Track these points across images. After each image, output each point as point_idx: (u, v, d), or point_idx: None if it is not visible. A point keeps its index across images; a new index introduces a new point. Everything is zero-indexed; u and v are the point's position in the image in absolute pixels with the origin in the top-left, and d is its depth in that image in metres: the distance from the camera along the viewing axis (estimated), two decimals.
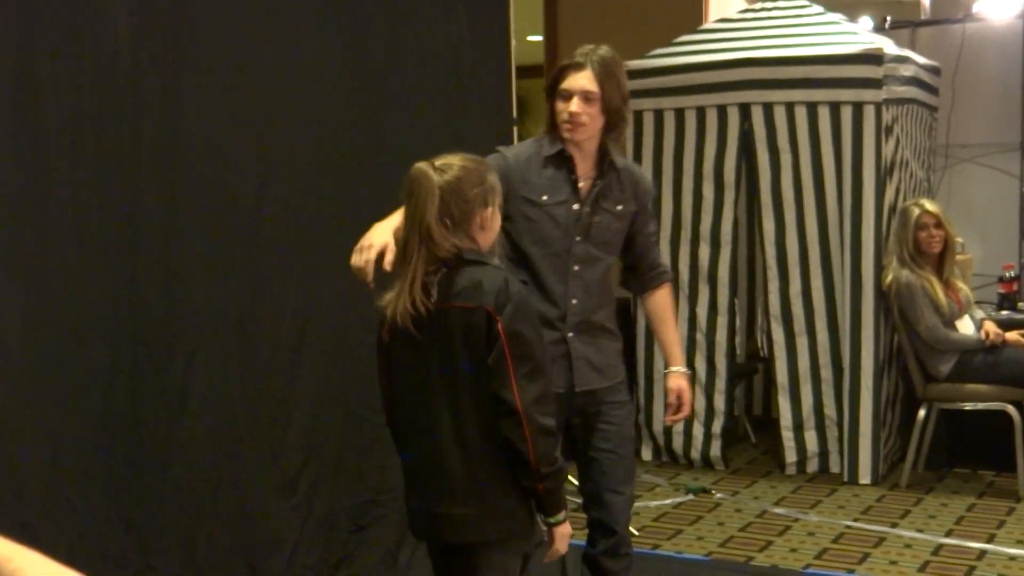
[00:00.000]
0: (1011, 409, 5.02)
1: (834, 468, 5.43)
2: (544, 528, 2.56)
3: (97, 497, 2.92)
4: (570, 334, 3.03)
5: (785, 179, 5.36)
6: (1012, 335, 5.10)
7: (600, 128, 3.02)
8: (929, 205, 5.23)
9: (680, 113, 5.55)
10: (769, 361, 5.73)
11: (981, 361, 5.07)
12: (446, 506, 2.49)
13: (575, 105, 2.97)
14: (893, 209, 5.34)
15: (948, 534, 4.61)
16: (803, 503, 5.06)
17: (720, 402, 5.56)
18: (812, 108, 5.27)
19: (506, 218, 2.89)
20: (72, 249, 2.87)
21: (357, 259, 2.68)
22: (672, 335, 3.30)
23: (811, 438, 5.45)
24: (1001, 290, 5.67)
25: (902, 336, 5.24)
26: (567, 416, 2.98)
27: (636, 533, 4.66)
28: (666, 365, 3.28)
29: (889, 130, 5.24)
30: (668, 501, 5.12)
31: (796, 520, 4.83)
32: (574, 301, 3.04)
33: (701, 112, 5.50)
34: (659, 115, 5.60)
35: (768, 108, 5.35)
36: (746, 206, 5.90)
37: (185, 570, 3.16)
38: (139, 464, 3.04)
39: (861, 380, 5.26)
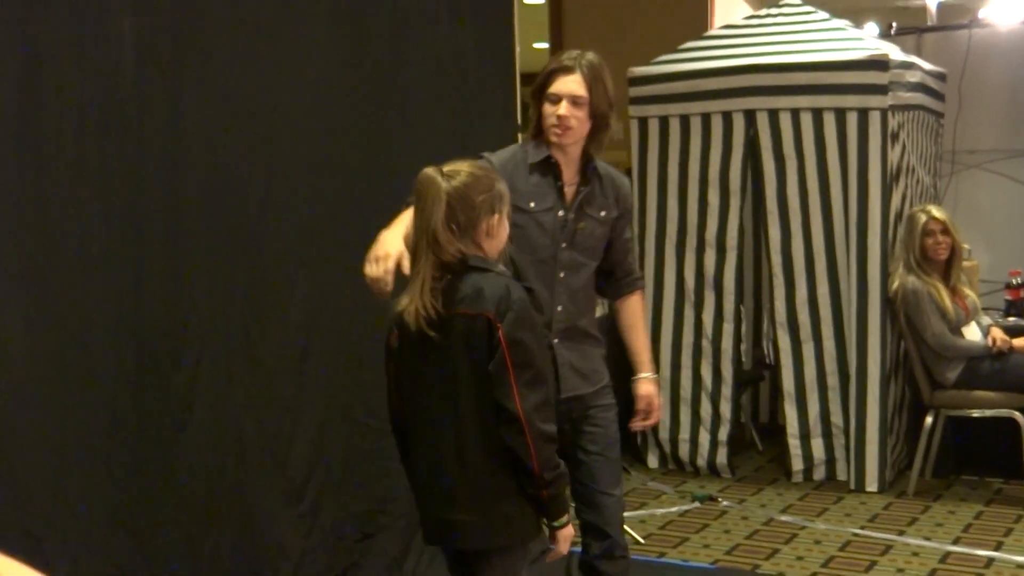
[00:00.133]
0: (1018, 416, 5.00)
1: (841, 476, 5.41)
2: (547, 531, 2.59)
3: (101, 506, 2.92)
4: (555, 340, 3.03)
5: (791, 186, 5.35)
6: (1019, 341, 5.09)
7: (586, 133, 3.03)
8: (936, 211, 5.22)
9: (685, 120, 5.55)
10: (775, 368, 5.72)
11: (988, 368, 5.05)
12: (449, 512, 2.53)
13: (564, 108, 2.98)
14: (899, 216, 5.33)
15: (956, 542, 4.59)
16: (810, 511, 5.04)
17: (726, 409, 5.54)
18: (817, 114, 5.26)
19: None
20: (76, 257, 2.86)
21: (374, 269, 2.68)
22: (643, 341, 3.30)
23: (818, 445, 5.43)
24: (1008, 296, 5.65)
25: (909, 343, 5.22)
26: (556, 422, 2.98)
27: (642, 541, 4.65)
28: (634, 372, 3.27)
29: (895, 136, 5.23)
30: (674, 509, 5.10)
31: (803, 528, 4.81)
32: (560, 308, 3.06)
33: (706, 118, 5.49)
34: (664, 121, 5.60)
35: (773, 114, 5.35)
36: (752, 213, 5.89)
37: None
38: (144, 473, 3.04)
39: (868, 387, 5.24)
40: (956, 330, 5.11)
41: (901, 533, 4.71)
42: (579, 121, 3.00)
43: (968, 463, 5.48)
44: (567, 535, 2.57)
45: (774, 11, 5.80)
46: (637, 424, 3.28)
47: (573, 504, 3.18)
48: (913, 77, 5.48)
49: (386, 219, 3.32)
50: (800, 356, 5.41)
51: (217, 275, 3.25)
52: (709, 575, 4.33)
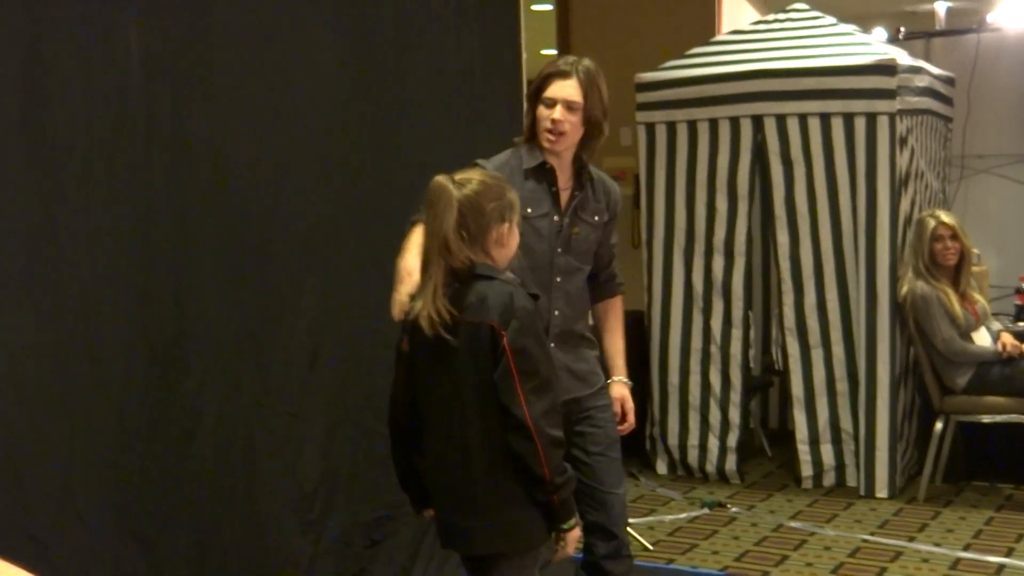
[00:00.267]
0: None
1: (851, 482, 5.39)
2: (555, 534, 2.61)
3: (109, 513, 2.92)
4: (552, 345, 3.02)
5: (799, 191, 5.34)
6: None
7: (579, 139, 3.04)
8: (945, 216, 5.21)
9: (693, 125, 5.54)
10: (784, 374, 5.71)
11: (998, 373, 5.04)
12: (458, 517, 2.57)
13: (558, 113, 2.99)
14: (908, 220, 5.32)
15: (966, 548, 4.57)
16: (819, 517, 5.02)
17: (735, 415, 5.53)
18: (825, 119, 5.25)
19: None
20: (84, 266, 2.87)
21: (398, 312, 2.71)
22: (620, 345, 3.30)
23: (827, 451, 5.42)
24: (1018, 301, 5.64)
25: (918, 348, 5.20)
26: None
27: (651, 547, 4.64)
28: (608, 375, 3.27)
29: (903, 141, 5.22)
30: (683, 515, 5.09)
31: (812, 534, 4.80)
32: (556, 312, 3.08)
33: (714, 124, 5.49)
34: (672, 127, 5.60)
35: (781, 120, 5.34)
36: (760, 218, 5.88)
37: None
38: (152, 480, 3.04)
39: (877, 393, 5.23)
40: (966, 335, 5.09)
41: (911, 539, 4.69)
42: (572, 126, 3.01)
43: (978, 469, 5.46)
44: (575, 537, 2.60)
45: (781, 16, 5.79)
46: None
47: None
48: (921, 81, 5.47)
49: (392, 226, 3.32)
50: (809, 361, 5.40)
51: (225, 282, 3.25)
52: None
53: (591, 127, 3.04)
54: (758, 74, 5.39)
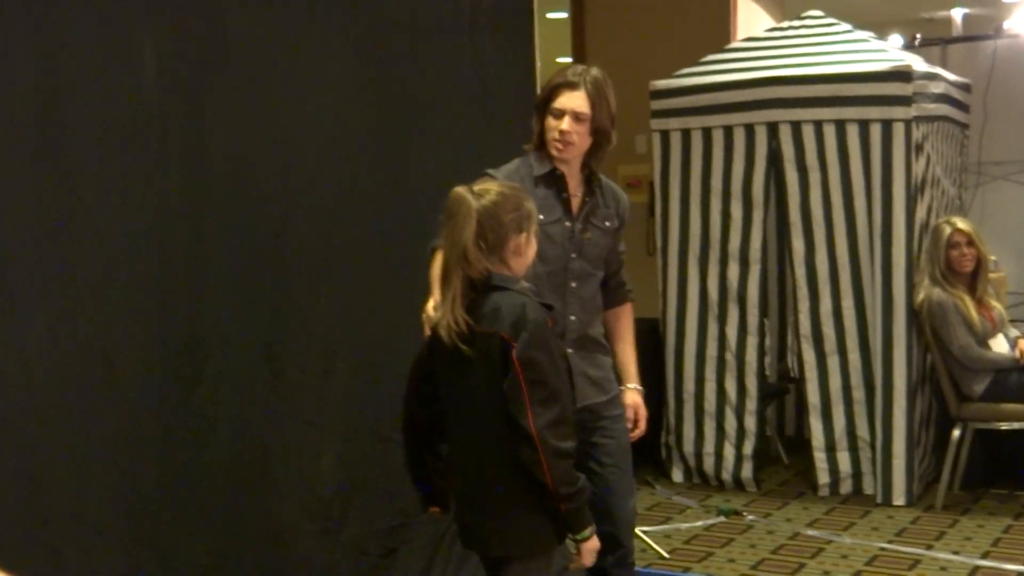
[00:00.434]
0: None
1: (868, 489, 5.37)
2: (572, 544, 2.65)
3: (124, 521, 2.93)
4: (569, 350, 3.07)
5: (814, 198, 5.33)
6: None
7: (587, 148, 3.10)
8: (961, 223, 5.19)
9: (707, 132, 5.54)
10: (800, 381, 5.69)
11: (1016, 380, 5.01)
12: (473, 518, 2.65)
13: (566, 124, 3.05)
14: (925, 227, 5.30)
15: (984, 556, 4.54)
16: (836, 525, 5.00)
17: (751, 423, 5.52)
18: (841, 126, 5.24)
19: None
20: (99, 274, 2.88)
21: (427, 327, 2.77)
22: (631, 353, 3.34)
23: (844, 459, 5.40)
24: None
25: (935, 355, 5.18)
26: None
27: (667, 556, 4.63)
28: (620, 382, 3.30)
29: (919, 148, 5.20)
30: (699, 523, 5.08)
31: (829, 542, 4.78)
32: (572, 317, 3.12)
33: (729, 131, 5.48)
34: (686, 134, 5.59)
35: (796, 126, 5.33)
36: (775, 225, 5.87)
37: None
38: (167, 488, 3.05)
39: (894, 400, 5.21)
40: (983, 342, 5.07)
41: (929, 547, 4.67)
42: (580, 136, 3.07)
43: (997, 476, 5.42)
44: (591, 548, 2.63)
45: (796, 23, 5.79)
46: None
47: None
48: (937, 88, 5.45)
49: (405, 234, 3.34)
50: (825, 369, 5.38)
51: (240, 290, 3.27)
52: None
53: (599, 136, 3.10)
54: (773, 81, 5.38)
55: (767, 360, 5.86)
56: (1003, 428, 5.08)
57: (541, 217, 3.01)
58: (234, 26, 3.24)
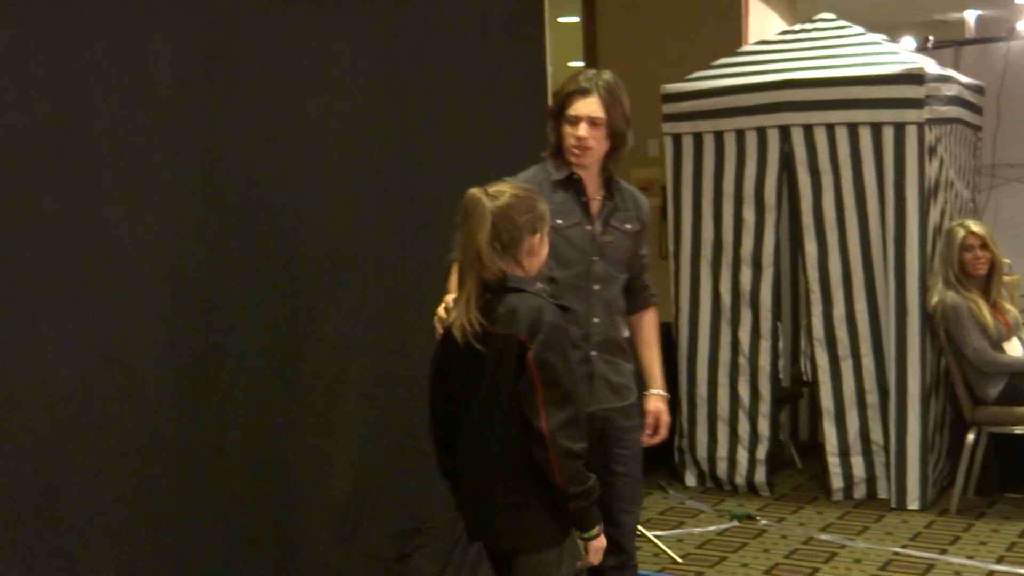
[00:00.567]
0: None
1: (882, 494, 5.35)
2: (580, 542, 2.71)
3: (139, 527, 2.94)
4: (593, 353, 3.12)
5: (827, 201, 5.32)
6: None
7: (605, 151, 3.13)
8: (974, 226, 5.17)
9: (719, 136, 5.53)
10: (814, 385, 5.67)
11: None
12: (479, 513, 2.70)
13: (582, 130, 3.08)
14: (938, 230, 5.29)
15: (999, 561, 4.52)
16: (850, 529, 4.99)
17: (764, 427, 5.51)
18: (853, 129, 5.23)
19: None
20: (114, 281, 2.89)
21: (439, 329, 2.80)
22: (656, 357, 3.37)
23: (858, 463, 5.38)
24: None
25: (949, 359, 5.17)
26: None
27: (679, 560, 4.62)
28: (645, 387, 3.33)
29: (932, 150, 5.19)
30: (712, 528, 5.07)
31: (843, 547, 4.76)
32: (596, 320, 3.15)
33: (740, 135, 5.48)
34: (698, 138, 5.59)
35: (808, 130, 5.32)
36: (788, 229, 5.86)
37: None
38: (182, 494, 3.06)
39: (908, 404, 5.19)
40: (997, 346, 5.06)
41: (944, 552, 4.65)
42: (597, 141, 3.10)
43: (1012, 480, 5.40)
44: (598, 546, 2.69)
45: (808, 26, 5.78)
46: (645, 439, 3.34)
47: None
48: (950, 90, 5.44)
49: (417, 238, 3.34)
50: (838, 373, 5.37)
51: (254, 297, 3.27)
52: None
53: (616, 139, 3.13)
54: (785, 84, 5.37)
55: (780, 364, 5.85)
56: (1018, 432, 5.06)
57: (560, 222, 3.07)
58: (248, 34, 3.25)
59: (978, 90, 6.05)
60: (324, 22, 3.49)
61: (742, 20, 6.84)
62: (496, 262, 2.58)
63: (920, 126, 5.09)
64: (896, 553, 4.66)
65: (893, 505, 5.26)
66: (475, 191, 2.61)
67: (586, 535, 2.66)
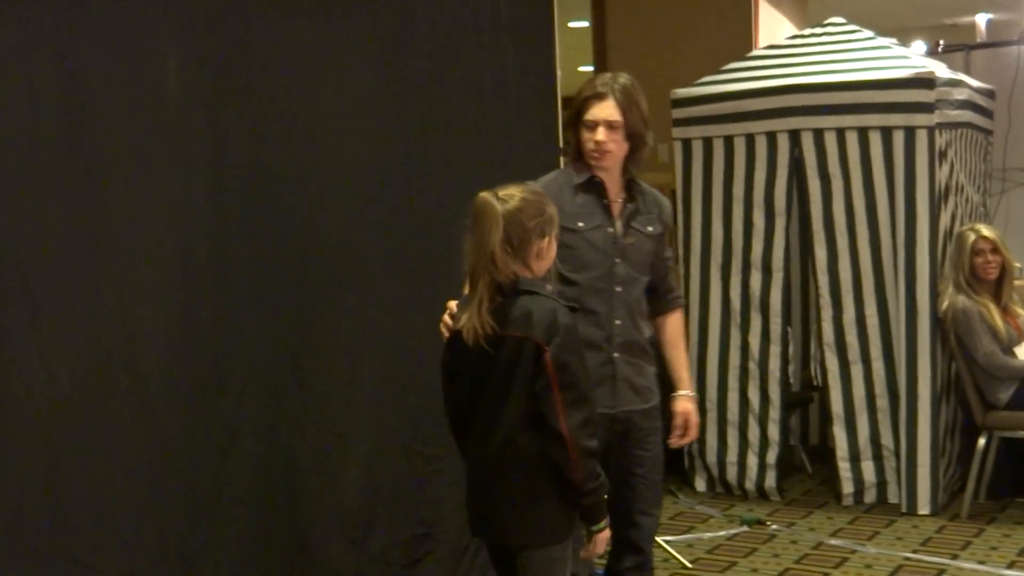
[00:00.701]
0: None
1: (892, 498, 5.34)
2: (584, 533, 2.77)
3: (149, 532, 2.94)
4: (616, 354, 3.15)
5: (837, 205, 5.31)
6: None
7: (624, 154, 3.17)
8: (985, 230, 5.16)
9: (729, 140, 5.53)
10: (824, 390, 5.66)
11: None
12: (485, 508, 2.73)
13: (601, 134, 3.12)
14: (949, 234, 5.27)
15: (1010, 566, 4.51)
16: (860, 534, 4.98)
17: (774, 432, 5.50)
18: (863, 133, 5.22)
19: None
20: (124, 284, 2.90)
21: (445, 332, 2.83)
22: (683, 359, 3.40)
23: (868, 468, 5.37)
24: None
25: (960, 363, 5.15)
26: (607, 439, 3.06)
27: (689, 565, 4.62)
28: (674, 388, 3.36)
29: (943, 154, 5.18)
30: (722, 533, 5.06)
31: (853, 552, 4.75)
32: (619, 322, 3.17)
33: (750, 139, 5.47)
34: (708, 143, 5.58)
35: (818, 134, 5.32)
36: (798, 233, 5.85)
37: None
38: (192, 498, 3.06)
39: (918, 409, 5.18)
40: (1008, 350, 5.04)
41: (954, 557, 4.64)
42: (616, 144, 3.13)
43: (1023, 485, 5.38)
44: (604, 537, 2.75)
45: (818, 30, 5.77)
46: (674, 441, 3.37)
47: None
48: (960, 94, 5.43)
49: (428, 243, 3.34)
50: (849, 377, 5.36)
51: (264, 301, 3.28)
52: None
53: (634, 140, 3.16)
54: (795, 89, 5.37)
55: (790, 369, 5.84)
56: None
57: (580, 224, 3.12)
58: (257, 37, 3.26)
59: (989, 94, 6.03)
60: (333, 25, 3.50)
61: (752, 24, 6.84)
62: (510, 265, 2.61)
63: (931, 130, 5.08)
64: (907, 558, 4.64)
65: (904, 510, 5.24)
66: (485, 194, 2.64)
67: (595, 528, 2.72)
